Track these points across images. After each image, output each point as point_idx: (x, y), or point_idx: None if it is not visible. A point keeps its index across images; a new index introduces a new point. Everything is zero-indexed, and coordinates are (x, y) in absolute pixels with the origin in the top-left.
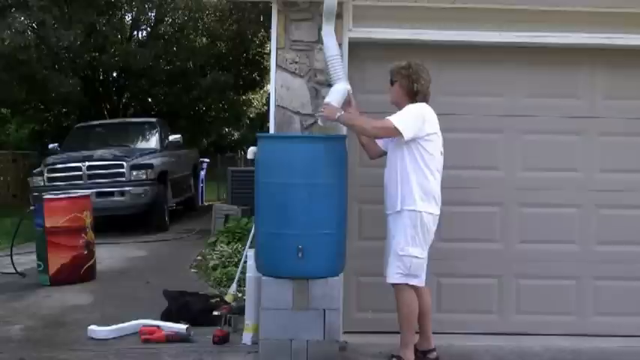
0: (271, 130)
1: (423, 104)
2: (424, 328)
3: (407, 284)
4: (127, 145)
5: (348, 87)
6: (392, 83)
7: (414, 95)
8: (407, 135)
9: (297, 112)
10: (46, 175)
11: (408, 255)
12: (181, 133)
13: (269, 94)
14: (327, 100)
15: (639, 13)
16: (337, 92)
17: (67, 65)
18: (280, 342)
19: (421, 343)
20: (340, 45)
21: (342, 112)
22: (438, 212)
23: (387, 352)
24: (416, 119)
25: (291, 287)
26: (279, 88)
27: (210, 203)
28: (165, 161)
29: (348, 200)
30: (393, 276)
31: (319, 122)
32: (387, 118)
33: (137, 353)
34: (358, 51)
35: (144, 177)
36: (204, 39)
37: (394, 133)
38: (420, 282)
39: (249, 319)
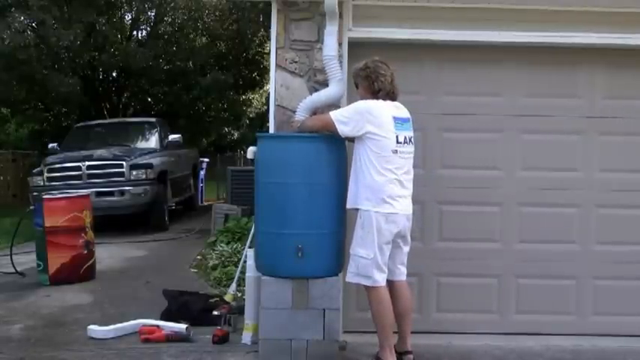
0: (271, 130)
1: (372, 102)
2: (401, 328)
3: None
4: (126, 145)
5: (338, 90)
6: (357, 86)
7: (376, 93)
8: (341, 129)
9: None
10: (45, 174)
11: (356, 255)
12: (181, 133)
13: (269, 93)
14: (295, 117)
15: (639, 12)
16: (304, 106)
17: (67, 65)
18: (280, 342)
19: (398, 344)
20: (340, 44)
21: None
22: (394, 210)
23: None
24: (354, 115)
25: (291, 287)
26: (279, 88)
27: (210, 203)
28: (164, 161)
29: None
30: (347, 275)
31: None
32: (330, 112)
33: (137, 353)
34: (358, 50)
35: (143, 177)
36: (203, 39)
37: (332, 126)
38: (373, 283)
39: (248, 319)
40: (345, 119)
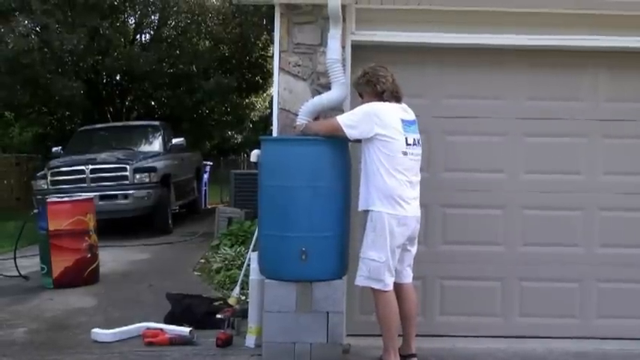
0: (274, 133)
1: (379, 103)
2: (405, 331)
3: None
4: (130, 148)
5: (340, 93)
6: (361, 96)
7: (381, 95)
8: (349, 134)
9: None
10: (49, 178)
11: (367, 258)
12: (184, 136)
13: (272, 97)
14: (297, 120)
15: None
16: (306, 110)
17: (71, 69)
18: (283, 345)
19: (402, 347)
20: (343, 48)
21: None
22: (406, 213)
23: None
24: (361, 118)
25: (295, 290)
26: (282, 91)
27: (213, 206)
28: (168, 164)
29: (351, 203)
30: (358, 278)
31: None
32: (337, 116)
33: (140, 356)
34: (361, 54)
35: (147, 180)
36: (207, 42)
37: (340, 131)
38: (384, 286)
39: (252, 322)
40: (353, 123)
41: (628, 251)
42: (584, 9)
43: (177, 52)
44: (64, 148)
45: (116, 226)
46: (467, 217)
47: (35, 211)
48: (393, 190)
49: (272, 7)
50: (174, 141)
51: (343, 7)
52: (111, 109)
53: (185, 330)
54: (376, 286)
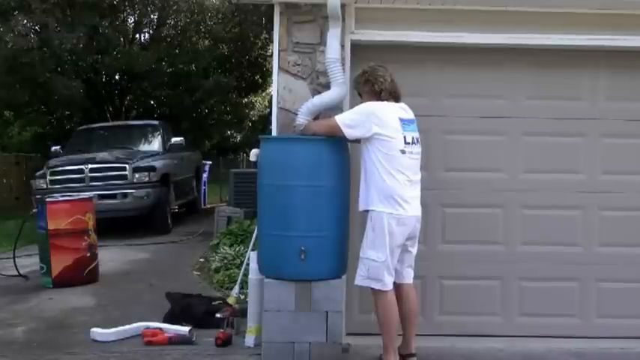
0: (274, 133)
1: (377, 103)
2: (405, 331)
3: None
4: (129, 148)
5: (340, 92)
6: (360, 96)
7: (379, 94)
8: (348, 133)
9: None
10: (48, 177)
11: (367, 257)
12: (184, 136)
13: (271, 96)
14: (297, 120)
15: None
16: (305, 109)
17: (70, 68)
18: (283, 344)
19: (402, 347)
20: (343, 47)
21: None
22: (406, 213)
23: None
24: (359, 117)
25: (294, 289)
26: (282, 90)
27: (213, 205)
28: (167, 163)
29: (350, 202)
30: (357, 278)
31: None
32: (335, 116)
33: (140, 355)
34: (360, 53)
35: (146, 179)
36: (206, 41)
37: (339, 131)
38: (383, 286)
39: (251, 322)
40: (352, 122)
41: (628, 251)
42: (584, 8)
43: (177, 51)
44: (64, 148)
45: (115, 226)
46: (467, 216)
47: (34, 210)
48: (393, 189)
49: (271, 6)
50: (173, 140)
51: (342, 6)
52: (110, 109)
53: (184, 329)
54: (375, 286)
